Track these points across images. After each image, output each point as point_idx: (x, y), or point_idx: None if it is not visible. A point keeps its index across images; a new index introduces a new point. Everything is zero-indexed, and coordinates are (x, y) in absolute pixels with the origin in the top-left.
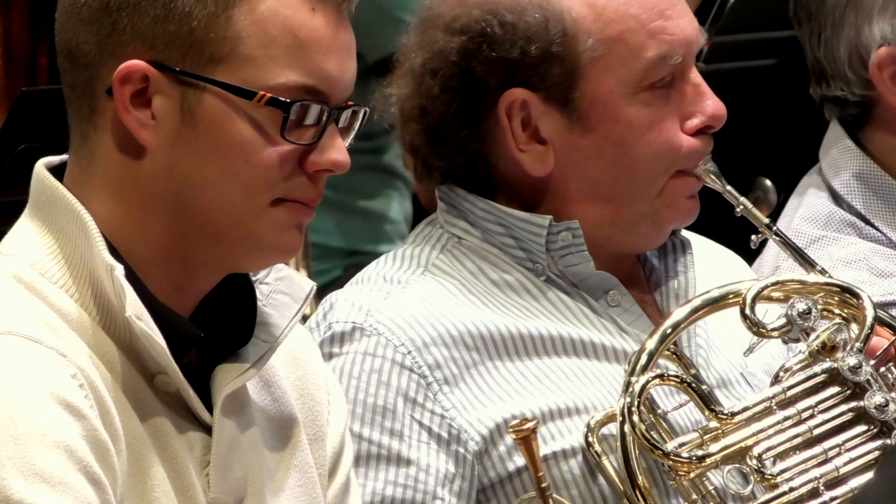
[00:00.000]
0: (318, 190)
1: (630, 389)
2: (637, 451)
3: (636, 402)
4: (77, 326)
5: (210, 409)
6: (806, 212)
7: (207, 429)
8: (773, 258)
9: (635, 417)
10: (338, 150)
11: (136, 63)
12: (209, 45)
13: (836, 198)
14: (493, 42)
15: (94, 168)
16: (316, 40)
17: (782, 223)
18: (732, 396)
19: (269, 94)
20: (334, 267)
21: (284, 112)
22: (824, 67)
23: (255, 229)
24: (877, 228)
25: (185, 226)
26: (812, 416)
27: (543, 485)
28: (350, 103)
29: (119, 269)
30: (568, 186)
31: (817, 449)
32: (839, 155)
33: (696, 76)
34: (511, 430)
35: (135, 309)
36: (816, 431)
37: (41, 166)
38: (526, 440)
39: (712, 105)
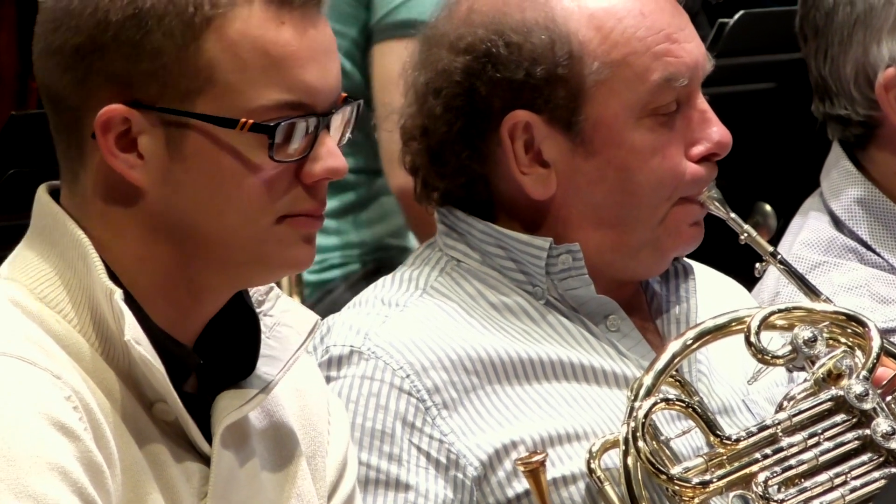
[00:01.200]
0: (321, 199)
1: (634, 414)
2: (640, 478)
3: (641, 427)
4: (74, 352)
5: (209, 439)
6: (807, 236)
7: (206, 459)
8: (774, 284)
9: (640, 443)
10: (332, 157)
11: (115, 108)
12: (184, 79)
13: (837, 223)
14: (497, 63)
15: (89, 206)
16: (290, 54)
17: (784, 245)
18: (734, 424)
19: (252, 120)
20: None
21: (269, 136)
22: (829, 85)
23: (261, 250)
24: (878, 254)
25: (189, 254)
26: (818, 444)
27: None
28: (340, 98)
29: (118, 294)
30: (570, 211)
31: (823, 477)
32: (840, 178)
33: (702, 102)
34: (520, 462)
35: (133, 333)
36: (822, 459)
37: (43, 191)
38: (535, 472)
39: (718, 132)
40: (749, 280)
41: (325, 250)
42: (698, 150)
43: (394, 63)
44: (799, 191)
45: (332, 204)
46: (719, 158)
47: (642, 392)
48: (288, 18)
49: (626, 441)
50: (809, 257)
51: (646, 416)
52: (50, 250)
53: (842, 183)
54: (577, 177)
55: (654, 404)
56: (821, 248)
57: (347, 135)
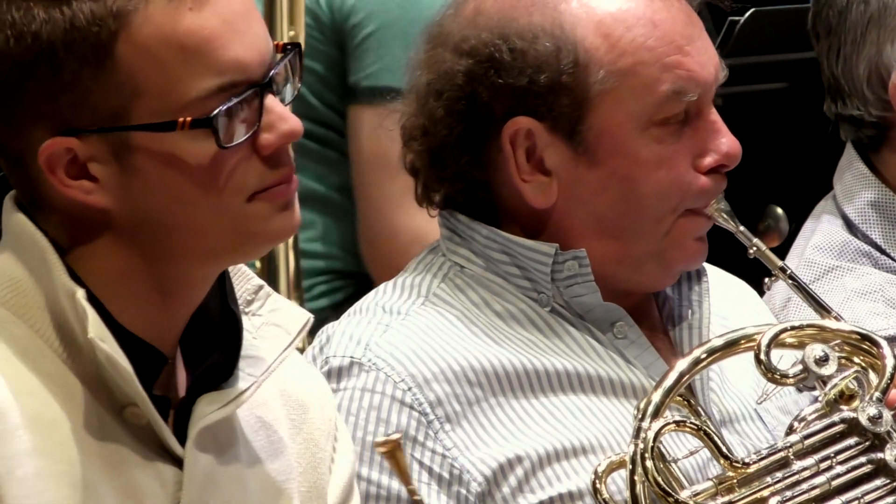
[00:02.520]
0: (286, 164)
1: (643, 435)
2: (647, 500)
3: (649, 448)
4: (33, 357)
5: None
6: (819, 240)
7: (181, 462)
8: (785, 290)
9: (648, 464)
10: (284, 121)
11: (54, 141)
12: (110, 97)
13: (851, 226)
14: (500, 68)
15: (52, 228)
16: (206, 38)
17: (796, 250)
18: (746, 433)
19: (189, 118)
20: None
21: (211, 127)
22: (841, 85)
23: (242, 231)
24: (892, 258)
25: (169, 253)
26: (830, 468)
27: (416, 498)
28: (280, 47)
29: (80, 293)
30: (572, 220)
31: (835, 502)
32: (853, 181)
33: (712, 113)
34: (377, 446)
35: (97, 331)
36: (834, 483)
37: (10, 199)
38: (392, 454)
39: (727, 143)
40: (758, 283)
41: (311, 274)
42: (706, 161)
43: (362, 130)
44: (811, 193)
45: (313, 228)
46: (728, 170)
47: (650, 410)
48: (192, 1)
49: (633, 461)
50: (822, 262)
51: (655, 437)
52: (18, 256)
53: (855, 185)
54: (579, 186)
55: (665, 426)
56: (834, 253)
57: (297, 85)
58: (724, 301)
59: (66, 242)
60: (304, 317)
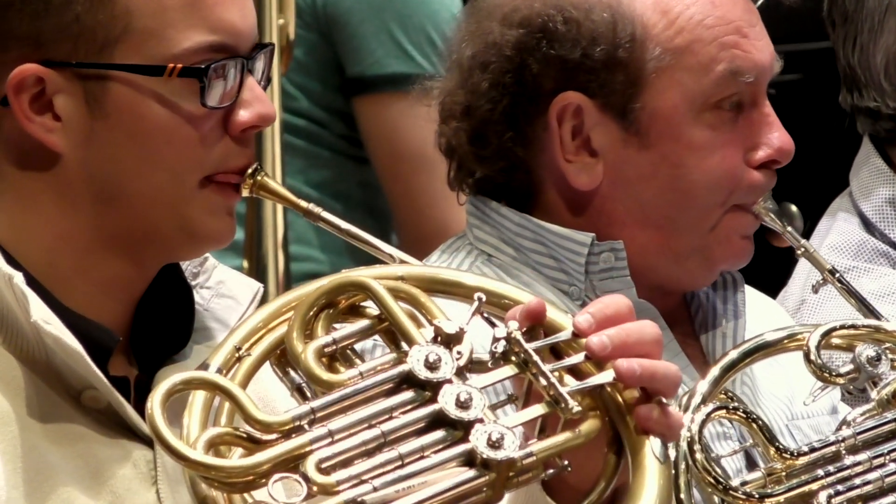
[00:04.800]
0: (250, 154)
1: (688, 425)
2: (688, 492)
3: (697, 436)
4: None
5: None
6: (835, 240)
7: (152, 442)
8: (800, 291)
9: (697, 454)
10: (261, 103)
11: (27, 67)
12: (100, 29)
13: (868, 225)
14: (553, 39)
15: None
16: None
17: None
18: None
19: (180, 65)
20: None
21: (200, 79)
22: (858, 75)
23: (185, 214)
24: None
25: (113, 225)
26: (883, 465)
27: None
28: (257, 44)
29: (17, 277)
30: (615, 206)
31: (889, 499)
32: (869, 177)
33: (766, 106)
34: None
35: (40, 313)
36: (888, 480)
37: None
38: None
39: (780, 138)
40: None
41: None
42: (758, 155)
43: (383, 122)
44: (827, 190)
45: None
46: (779, 167)
47: (696, 400)
48: None
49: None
50: (838, 262)
51: (703, 423)
52: None
53: (872, 182)
54: (626, 169)
55: (714, 410)
56: (850, 253)
57: (264, 84)
58: (755, 316)
59: (12, 218)
60: (255, 286)
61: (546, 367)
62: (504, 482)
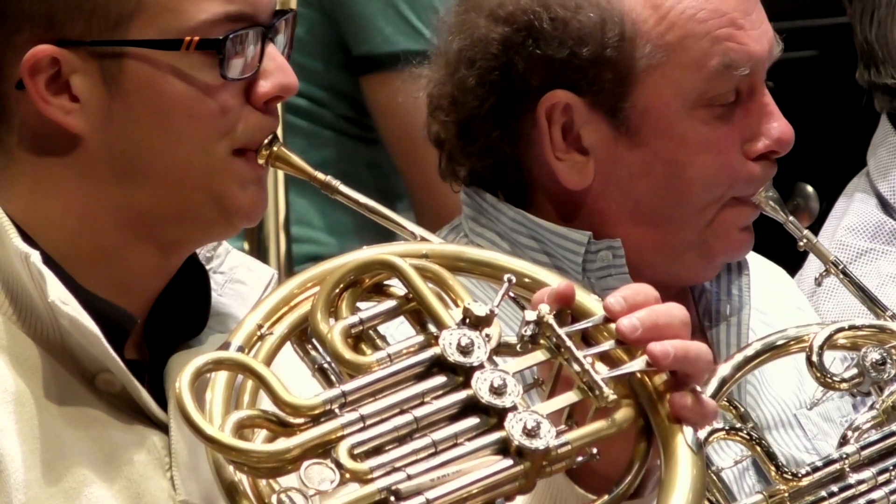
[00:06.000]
0: (277, 117)
1: None
2: None
3: None
4: None
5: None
6: (852, 221)
7: (166, 428)
8: (812, 282)
9: None
10: (282, 72)
11: (41, 48)
12: (112, 5)
13: (886, 205)
14: (539, 38)
15: (14, 169)
16: None
17: (826, 231)
18: (784, 439)
19: (197, 38)
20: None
21: (219, 51)
22: (875, 51)
23: (218, 187)
24: None
25: (140, 205)
26: (889, 481)
27: None
28: (277, 10)
29: (34, 255)
30: (608, 204)
31: None
32: (888, 156)
33: (765, 95)
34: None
35: (57, 293)
36: (894, 498)
37: None
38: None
39: (779, 128)
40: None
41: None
42: (757, 146)
43: (396, 102)
44: (843, 170)
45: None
46: (779, 157)
47: None
48: None
49: None
50: (855, 244)
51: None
52: None
53: (890, 161)
54: (618, 168)
55: (713, 433)
56: (867, 234)
57: (289, 52)
58: (762, 292)
59: (31, 202)
60: (270, 272)
61: (579, 353)
62: (538, 471)
